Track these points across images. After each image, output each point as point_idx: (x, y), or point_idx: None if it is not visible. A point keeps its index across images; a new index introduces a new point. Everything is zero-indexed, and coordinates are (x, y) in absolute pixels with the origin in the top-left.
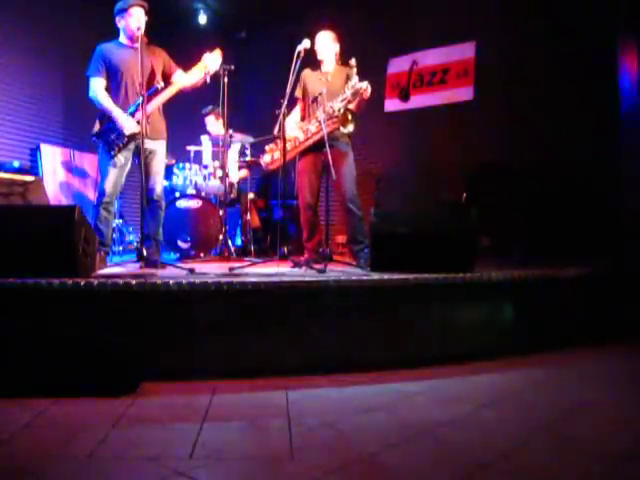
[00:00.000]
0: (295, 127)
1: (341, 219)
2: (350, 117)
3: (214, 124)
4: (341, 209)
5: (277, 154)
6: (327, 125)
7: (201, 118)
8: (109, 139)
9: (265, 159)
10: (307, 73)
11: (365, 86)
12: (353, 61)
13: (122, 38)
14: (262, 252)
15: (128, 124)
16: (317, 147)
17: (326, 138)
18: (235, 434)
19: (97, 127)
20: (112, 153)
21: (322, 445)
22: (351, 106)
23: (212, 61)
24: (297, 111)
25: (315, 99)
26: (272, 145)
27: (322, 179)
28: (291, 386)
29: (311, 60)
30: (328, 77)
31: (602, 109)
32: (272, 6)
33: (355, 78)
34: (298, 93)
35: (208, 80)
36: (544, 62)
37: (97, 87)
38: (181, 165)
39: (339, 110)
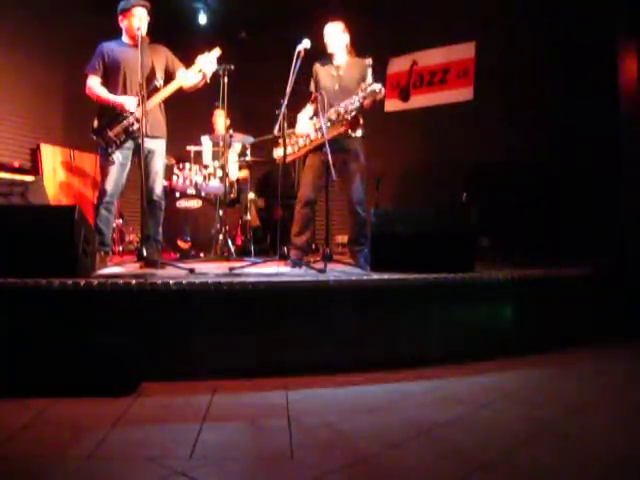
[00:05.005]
0: (308, 123)
1: (341, 219)
2: (362, 121)
3: (221, 118)
4: (346, 210)
5: (289, 149)
6: (335, 128)
7: (202, 117)
8: (107, 136)
9: (278, 153)
10: (318, 67)
11: (378, 89)
12: (369, 60)
13: (124, 37)
14: (262, 252)
15: (129, 101)
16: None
17: (327, 141)
18: (235, 434)
19: (95, 124)
20: (110, 150)
21: (322, 445)
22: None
23: (206, 62)
24: (310, 106)
25: (322, 98)
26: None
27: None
28: (291, 386)
29: (312, 58)
30: (340, 71)
31: (602, 109)
32: (272, 6)
33: (369, 79)
34: (312, 87)
35: (208, 80)
36: (544, 62)
37: (92, 83)
38: (181, 165)
39: (350, 113)
